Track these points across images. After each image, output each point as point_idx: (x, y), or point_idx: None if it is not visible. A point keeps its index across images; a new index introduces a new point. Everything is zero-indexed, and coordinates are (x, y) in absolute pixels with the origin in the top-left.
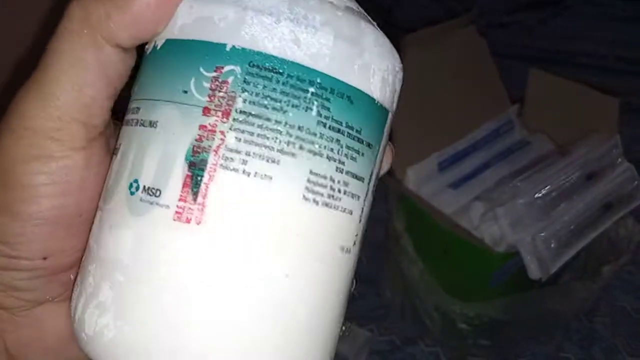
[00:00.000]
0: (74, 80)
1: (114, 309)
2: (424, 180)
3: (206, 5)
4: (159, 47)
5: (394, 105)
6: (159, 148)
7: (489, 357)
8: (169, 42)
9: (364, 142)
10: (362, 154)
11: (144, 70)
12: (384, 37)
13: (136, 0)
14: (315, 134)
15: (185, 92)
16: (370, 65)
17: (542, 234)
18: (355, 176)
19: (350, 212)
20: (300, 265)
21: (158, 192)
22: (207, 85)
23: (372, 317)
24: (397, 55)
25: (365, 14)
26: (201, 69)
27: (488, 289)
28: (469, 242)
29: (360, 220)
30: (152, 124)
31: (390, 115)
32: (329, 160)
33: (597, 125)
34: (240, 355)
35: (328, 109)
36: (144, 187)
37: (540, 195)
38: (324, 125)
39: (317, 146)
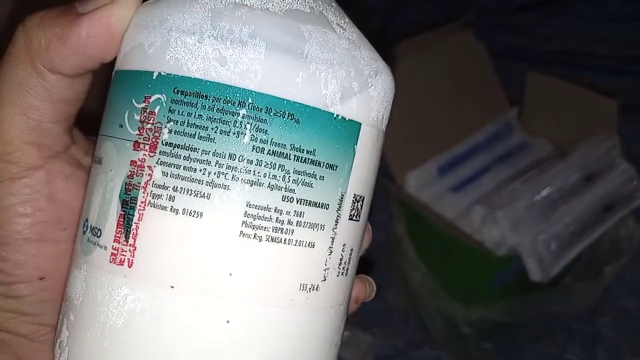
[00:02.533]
0: (18, 105)
1: (68, 349)
2: (424, 184)
3: (138, 32)
4: (113, 79)
5: (374, 114)
6: (101, 186)
7: None
8: (117, 74)
9: (322, 164)
10: (322, 178)
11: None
12: (345, 37)
13: (75, 31)
14: (250, 162)
15: (121, 126)
16: (320, 75)
17: (543, 236)
18: (313, 203)
19: (312, 245)
20: (243, 310)
21: (99, 232)
22: (137, 117)
23: (375, 322)
24: (367, 56)
25: (331, 9)
26: (133, 101)
27: (490, 292)
28: (469, 246)
29: (331, 252)
30: (99, 161)
31: (366, 128)
32: (272, 189)
33: (595, 126)
34: None
35: (265, 132)
36: (90, 226)
37: (540, 197)
38: (262, 150)
39: (254, 175)
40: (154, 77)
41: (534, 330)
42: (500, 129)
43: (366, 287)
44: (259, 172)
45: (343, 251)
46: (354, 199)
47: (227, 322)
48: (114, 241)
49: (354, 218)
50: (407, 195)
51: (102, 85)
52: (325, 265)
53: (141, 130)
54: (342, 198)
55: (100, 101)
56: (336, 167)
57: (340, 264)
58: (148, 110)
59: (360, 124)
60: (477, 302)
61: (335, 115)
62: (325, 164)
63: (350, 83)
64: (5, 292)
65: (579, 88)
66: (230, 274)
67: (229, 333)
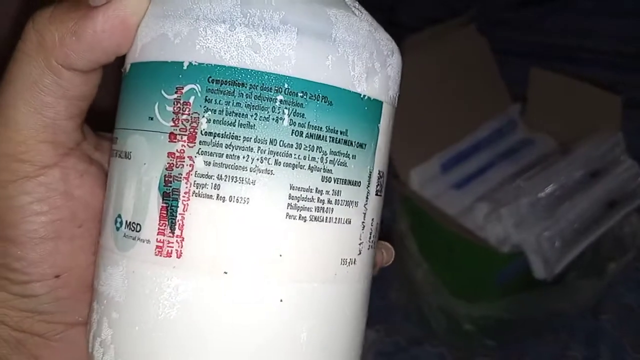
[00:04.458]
0: (32, 104)
1: (114, 347)
2: (428, 181)
3: (160, 22)
4: (127, 72)
5: (391, 92)
6: (134, 180)
7: (495, 357)
8: (134, 66)
9: (354, 144)
10: (354, 157)
11: (120, 96)
12: (363, 20)
13: (90, 25)
14: (291, 146)
15: (151, 118)
16: (348, 57)
17: (546, 234)
18: (348, 182)
19: (348, 221)
20: (294, 287)
21: (138, 227)
22: (170, 108)
23: (377, 318)
24: (384, 37)
25: None
26: (163, 92)
27: (493, 289)
28: (473, 243)
29: (364, 227)
30: (126, 155)
31: (386, 106)
32: (312, 171)
33: (599, 123)
34: None
35: (302, 116)
36: (126, 222)
37: (543, 194)
38: (300, 134)
39: (295, 158)
40: (185, 67)
41: (536, 327)
42: (503, 125)
43: (383, 253)
44: (299, 155)
45: (372, 225)
46: (379, 175)
47: (281, 300)
48: (158, 234)
49: (379, 193)
50: (410, 191)
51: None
52: (360, 239)
53: (176, 122)
54: (370, 175)
55: (100, 95)
56: (365, 145)
57: (370, 237)
58: (182, 101)
59: (382, 102)
60: (480, 299)
61: (362, 96)
62: (356, 143)
63: (373, 63)
64: (21, 292)
65: (583, 84)
66: (280, 255)
67: (283, 311)
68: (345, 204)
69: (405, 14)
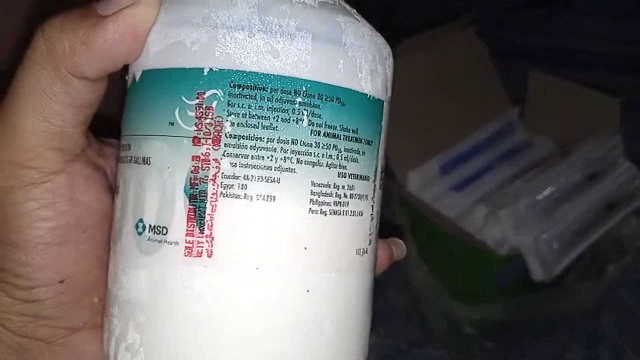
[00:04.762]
0: (41, 112)
1: (143, 350)
2: (426, 183)
3: (176, 29)
4: (137, 79)
5: (389, 92)
6: (156, 185)
7: (495, 359)
8: (146, 73)
9: (363, 141)
10: (363, 153)
11: (128, 104)
12: (365, 25)
13: (100, 34)
14: (310, 145)
15: (172, 124)
16: (356, 61)
17: (545, 236)
18: (360, 177)
19: (361, 214)
20: (318, 278)
21: (165, 230)
22: (192, 113)
23: (377, 321)
24: (382, 41)
25: (343, 1)
26: (183, 98)
27: (492, 291)
28: (472, 245)
29: (372, 219)
30: (145, 161)
31: (385, 105)
32: (330, 167)
33: (598, 125)
34: None
35: (319, 116)
36: (150, 226)
37: (542, 196)
38: (318, 133)
39: (315, 157)
40: (205, 73)
41: (536, 329)
42: (502, 127)
43: (392, 249)
44: (318, 153)
45: (377, 217)
46: (381, 170)
47: (307, 291)
48: (187, 235)
49: (381, 187)
50: (409, 194)
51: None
52: (370, 230)
53: (199, 126)
54: (376, 170)
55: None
56: (372, 142)
57: (376, 228)
58: (204, 106)
59: (383, 102)
60: (479, 302)
61: (368, 96)
62: (365, 140)
63: (376, 66)
64: (25, 297)
65: (581, 86)
66: (305, 248)
67: (310, 301)
68: (358, 197)
69: (404, 16)
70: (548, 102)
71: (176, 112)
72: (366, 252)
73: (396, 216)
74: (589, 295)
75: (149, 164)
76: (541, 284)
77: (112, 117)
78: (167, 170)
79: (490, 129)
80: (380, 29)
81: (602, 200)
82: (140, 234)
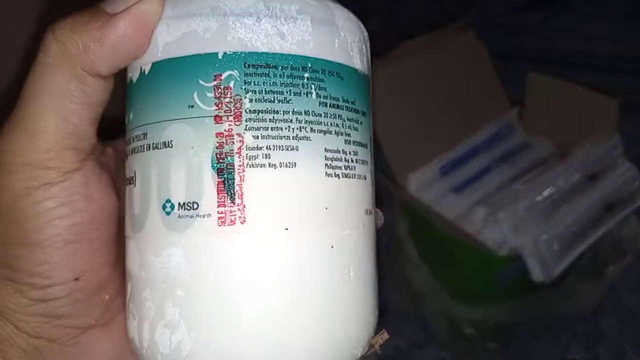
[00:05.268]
0: (58, 112)
1: (183, 323)
2: (426, 185)
3: (185, 21)
4: (147, 72)
5: (369, 69)
6: (181, 164)
7: None
8: (157, 65)
9: (360, 112)
10: (361, 123)
11: (137, 97)
12: (349, 11)
13: (112, 31)
14: (320, 115)
15: (192, 106)
16: (347, 40)
17: (545, 237)
18: (361, 144)
19: (365, 178)
20: (339, 235)
21: (195, 205)
22: (210, 94)
23: (378, 322)
24: (362, 25)
25: None
26: (200, 81)
27: (492, 292)
28: (471, 247)
29: (372, 183)
30: (166, 144)
31: (370, 81)
32: (337, 135)
33: (596, 126)
34: (318, 332)
35: (325, 89)
36: (179, 204)
37: (541, 197)
38: (326, 104)
39: (325, 125)
40: (220, 57)
41: (537, 330)
42: (501, 129)
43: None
44: (327, 122)
45: (374, 182)
46: (372, 140)
47: (332, 247)
48: (218, 206)
49: (373, 155)
50: (408, 196)
51: None
52: (371, 193)
53: (219, 105)
54: (370, 139)
55: None
56: (365, 113)
57: (373, 193)
58: (222, 86)
59: (369, 77)
60: (479, 303)
61: (360, 72)
62: (361, 111)
63: (362, 46)
64: (41, 296)
65: (580, 88)
66: (326, 208)
67: (334, 255)
68: (361, 162)
69: (403, 19)
70: (547, 103)
71: (194, 95)
72: (371, 213)
73: (395, 219)
74: (590, 296)
75: (171, 147)
76: (541, 284)
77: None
78: (192, 150)
79: (490, 130)
80: (379, 31)
81: (602, 201)
82: (168, 213)
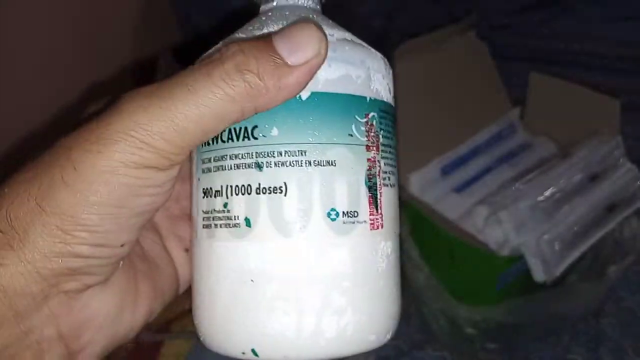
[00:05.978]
0: (208, 124)
1: (350, 308)
2: (427, 185)
3: (343, 66)
4: (304, 98)
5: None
6: (344, 181)
7: None
8: (316, 94)
9: (393, 139)
10: (394, 148)
11: (289, 118)
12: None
13: (291, 81)
14: (391, 146)
15: (351, 135)
16: (384, 80)
17: (546, 237)
18: (395, 164)
19: (395, 186)
20: (397, 234)
21: (356, 213)
22: (363, 128)
23: None
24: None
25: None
26: (356, 117)
27: (494, 292)
28: (473, 247)
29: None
30: (330, 163)
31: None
32: (393, 154)
33: (598, 126)
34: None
35: (387, 124)
36: (344, 212)
37: (543, 197)
38: (391, 137)
39: (391, 153)
40: (368, 100)
41: (537, 330)
42: (503, 129)
43: None
44: (393, 152)
45: None
46: None
47: (397, 243)
48: (370, 215)
49: None
50: (410, 196)
51: None
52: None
53: (368, 137)
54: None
55: None
56: (394, 139)
57: None
58: (369, 123)
59: (393, 107)
60: (480, 303)
61: (392, 106)
62: (394, 139)
63: (387, 83)
64: (85, 252)
65: (582, 88)
66: (395, 213)
67: (397, 250)
68: (393, 174)
69: (405, 20)
70: (549, 103)
71: (353, 127)
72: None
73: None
74: (591, 297)
75: (334, 165)
76: (543, 285)
77: None
78: (352, 170)
79: (491, 130)
80: (381, 32)
81: (603, 202)
82: (333, 220)
